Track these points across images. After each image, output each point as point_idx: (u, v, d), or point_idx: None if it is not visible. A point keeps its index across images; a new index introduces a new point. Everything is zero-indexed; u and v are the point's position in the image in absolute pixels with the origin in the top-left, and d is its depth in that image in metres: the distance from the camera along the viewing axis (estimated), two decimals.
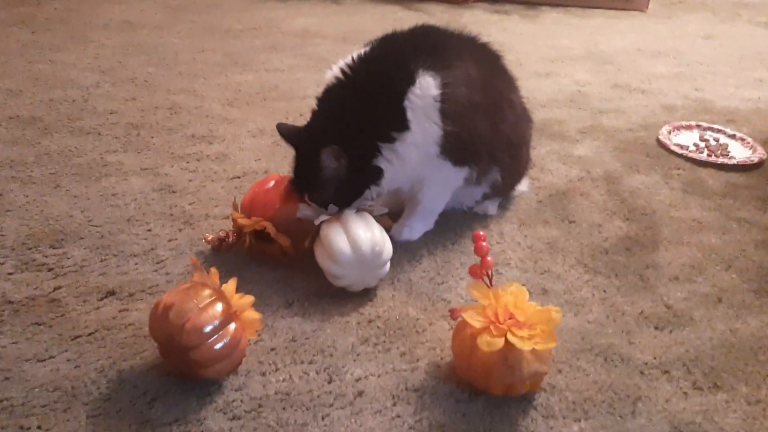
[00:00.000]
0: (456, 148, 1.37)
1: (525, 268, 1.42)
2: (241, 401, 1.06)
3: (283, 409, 1.05)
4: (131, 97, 2.10)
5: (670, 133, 2.03)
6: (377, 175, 1.33)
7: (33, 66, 2.27)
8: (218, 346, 1.04)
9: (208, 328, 1.03)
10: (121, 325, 1.20)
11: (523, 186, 1.68)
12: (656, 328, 1.27)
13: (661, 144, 1.98)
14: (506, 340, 1.04)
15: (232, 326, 1.06)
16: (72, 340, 1.16)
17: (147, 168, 1.70)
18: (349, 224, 1.26)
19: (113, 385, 1.08)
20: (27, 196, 1.55)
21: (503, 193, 1.60)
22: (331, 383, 1.11)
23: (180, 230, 1.47)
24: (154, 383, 1.08)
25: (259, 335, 1.18)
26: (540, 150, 1.92)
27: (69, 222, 1.47)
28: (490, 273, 1.10)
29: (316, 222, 1.29)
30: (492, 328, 1.05)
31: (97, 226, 1.47)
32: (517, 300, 1.09)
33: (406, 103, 1.31)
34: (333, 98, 1.35)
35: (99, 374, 1.10)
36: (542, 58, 2.69)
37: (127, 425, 1.01)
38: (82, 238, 1.42)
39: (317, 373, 1.13)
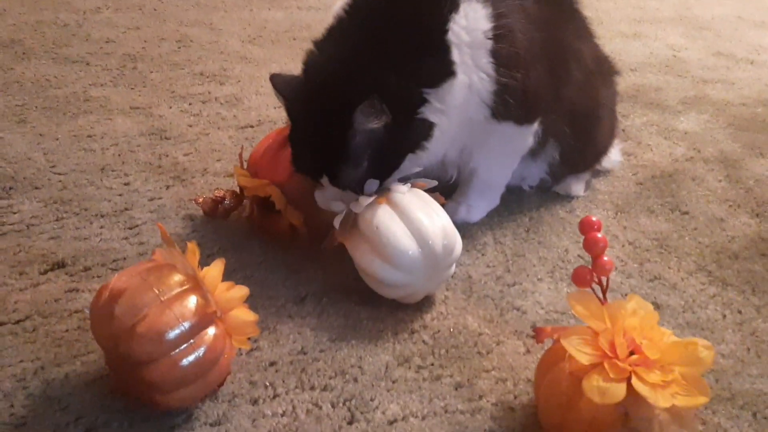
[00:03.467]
0: (514, 106, 0.99)
1: (627, 272, 1.04)
2: None
3: None
4: (135, 25, 1.74)
5: None
6: (426, 130, 0.93)
7: None
8: (186, 361, 0.68)
9: (171, 334, 0.68)
10: (65, 311, 0.85)
11: (615, 154, 1.29)
12: None
13: None
14: (629, 388, 0.66)
15: (211, 332, 0.71)
16: None
17: (138, 107, 1.35)
18: (405, 207, 0.88)
19: (34, 403, 0.73)
20: None
21: (575, 171, 1.21)
22: (352, 424, 0.75)
23: (167, 187, 1.12)
24: (92, 406, 0.74)
25: (254, 343, 0.82)
26: (635, 120, 1.52)
27: (25, 166, 1.13)
28: (605, 281, 0.73)
29: (355, 209, 0.90)
30: (607, 366, 0.68)
31: (59, 174, 1.12)
32: (644, 324, 0.71)
33: (450, 36, 0.93)
34: (346, 35, 0.95)
35: (17, 384, 0.75)
36: (627, 18, 2.27)
37: None
38: (37, 188, 1.08)
39: (333, 406, 0.77)
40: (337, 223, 0.90)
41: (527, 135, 1.05)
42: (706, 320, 0.96)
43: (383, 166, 0.93)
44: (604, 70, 1.17)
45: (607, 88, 1.18)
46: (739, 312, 0.98)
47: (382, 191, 0.92)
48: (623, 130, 1.47)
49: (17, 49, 1.55)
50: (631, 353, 0.69)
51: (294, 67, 1.55)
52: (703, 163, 1.37)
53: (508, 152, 1.07)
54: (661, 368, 0.69)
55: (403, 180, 0.94)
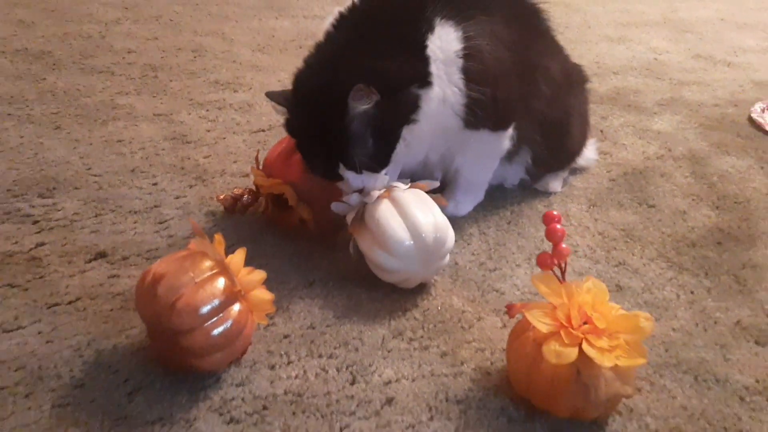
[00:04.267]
0: (483, 117, 1.12)
1: (595, 258, 1.18)
2: (243, 400, 0.86)
3: (293, 414, 0.85)
4: (153, 36, 1.89)
5: (764, 111, 1.76)
6: (414, 102, 1.05)
7: None
8: (216, 331, 0.83)
9: (204, 309, 0.82)
10: (108, 294, 1.00)
11: (590, 153, 1.43)
12: (757, 343, 1.03)
13: (753, 123, 1.70)
14: (580, 352, 0.81)
15: (236, 308, 0.85)
16: (48, 308, 0.97)
17: (161, 114, 1.50)
18: (404, 204, 1.01)
19: (89, 369, 0.88)
20: (22, 137, 1.36)
21: (550, 171, 1.35)
22: (354, 385, 0.89)
23: (190, 186, 1.26)
24: (138, 370, 0.88)
25: (270, 319, 0.97)
26: (613, 122, 1.66)
27: (64, 169, 1.28)
28: (563, 264, 0.87)
29: (367, 200, 1.04)
30: (563, 334, 0.82)
31: (95, 176, 1.27)
32: (595, 300, 0.86)
33: (429, 52, 1.06)
34: (333, 44, 1.08)
35: (74, 353, 0.90)
36: (614, 22, 2.40)
37: (99, 420, 0.81)
38: (76, 188, 1.23)
39: (338, 370, 0.91)
40: (349, 218, 1.05)
41: (503, 139, 1.19)
42: (662, 300, 1.10)
43: (385, 139, 1.05)
44: (572, 81, 1.31)
45: (576, 97, 1.32)
46: (692, 293, 1.12)
47: (387, 187, 1.06)
48: (601, 131, 1.61)
49: (48, 60, 1.69)
50: (585, 323, 0.84)
51: None
52: (672, 161, 1.51)
53: (487, 154, 1.21)
54: (609, 336, 0.83)
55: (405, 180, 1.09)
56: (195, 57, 1.79)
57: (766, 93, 1.90)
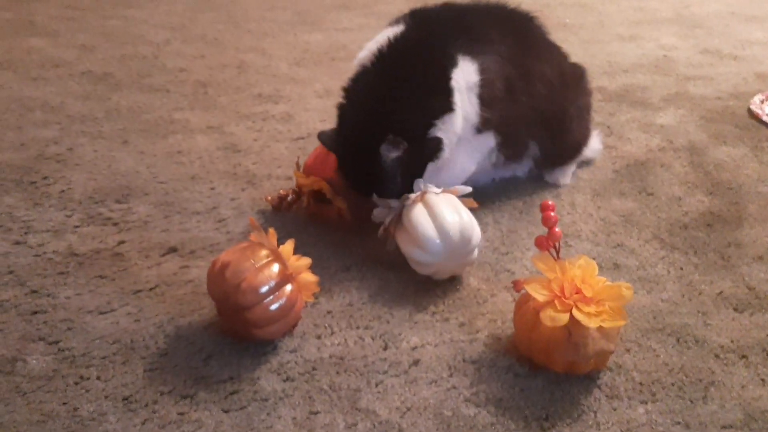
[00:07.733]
0: (489, 127, 1.34)
1: (596, 241, 1.34)
2: (295, 363, 1.05)
3: (337, 373, 1.03)
4: (200, 54, 2.10)
5: (762, 102, 1.89)
6: (437, 145, 1.26)
7: (106, 22, 2.31)
8: (274, 306, 1.02)
9: (263, 289, 1.02)
10: (181, 281, 1.20)
11: (595, 143, 1.60)
12: (735, 310, 1.19)
13: (752, 114, 1.84)
14: (571, 316, 0.98)
15: (288, 288, 1.04)
16: (133, 294, 1.17)
17: (213, 126, 1.70)
18: (434, 207, 1.18)
19: (170, 341, 1.08)
20: (96, 151, 1.58)
21: (559, 163, 1.52)
22: (386, 350, 1.08)
23: (242, 189, 1.46)
24: (210, 341, 1.08)
25: (315, 298, 1.16)
26: (619, 117, 1.81)
27: (135, 178, 1.49)
28: (557, 245, 1.04)
29: (405, 203, 1.21)
30: (557, 302, 0.99)
31: (162, 183, 1.47)
32: (585, 274, 1.03)
33: (453, 83, 1.26)
34: (369, 86, 1.28)
35: (157, 329, 1.10)
36: (627, 20, 2.54)
37: (182, 380, 1.01)
38: (147, 194, 1.43)
39: (373, 339, 1.10)
40: (387, 221, 1.23)
41: (487, 141, 1.38)
42: (654, 275, 1.26)
43: (412, 177, 1.25)
44: (567, 79, 1.48)
45: (574, 92, 1.49)
46: (681, 269, 1.28)
47: (422, 192, 1.22)
48: (608, 127, 1.77)
49: (110, 81, 1.92)
50: (576, 293, 1.01)
51: (334, 86, 1.90)
52: (672, 152, 1.66)
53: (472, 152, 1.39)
54: (595, 303, 1.00)
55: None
56: (239, 73, 1.99)
57: (767, 84, 2.03)
